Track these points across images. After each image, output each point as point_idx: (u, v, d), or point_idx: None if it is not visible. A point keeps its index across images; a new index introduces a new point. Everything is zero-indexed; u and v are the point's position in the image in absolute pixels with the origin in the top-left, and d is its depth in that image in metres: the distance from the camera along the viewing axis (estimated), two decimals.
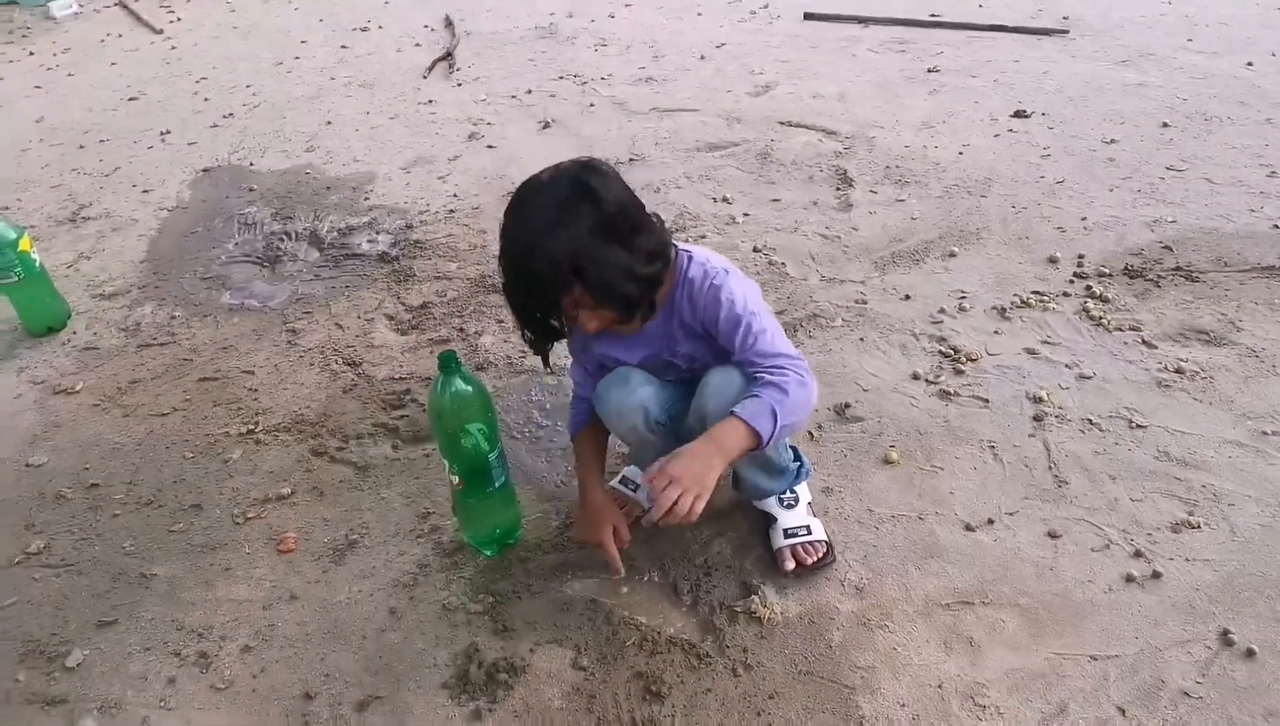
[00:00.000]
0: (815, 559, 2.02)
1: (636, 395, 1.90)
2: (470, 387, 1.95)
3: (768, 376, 1.74)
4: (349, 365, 2.76)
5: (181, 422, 2.60)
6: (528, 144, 4.12)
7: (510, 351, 2.76)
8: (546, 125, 4.29)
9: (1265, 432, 2.29)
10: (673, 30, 5.42)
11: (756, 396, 1.71)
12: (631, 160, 3.89)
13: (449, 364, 1.91)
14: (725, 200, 3.52)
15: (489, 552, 2.10)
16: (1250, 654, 1.79)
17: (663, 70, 4.85)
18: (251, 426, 2.54)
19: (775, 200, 3.50)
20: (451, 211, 3.59)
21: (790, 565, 2.00)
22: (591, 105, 4.48)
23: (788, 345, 1.81)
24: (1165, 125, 3.71)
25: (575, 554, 2.09)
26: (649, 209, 1.77)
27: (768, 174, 3.69)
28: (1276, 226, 3.03)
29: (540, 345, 1.84)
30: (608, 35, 5.43)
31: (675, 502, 1.63)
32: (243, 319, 3.04)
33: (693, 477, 1.64)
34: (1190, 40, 4.39)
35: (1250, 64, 4.09)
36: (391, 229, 3.47)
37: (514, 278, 1.69)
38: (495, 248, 3.30)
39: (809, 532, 2.05)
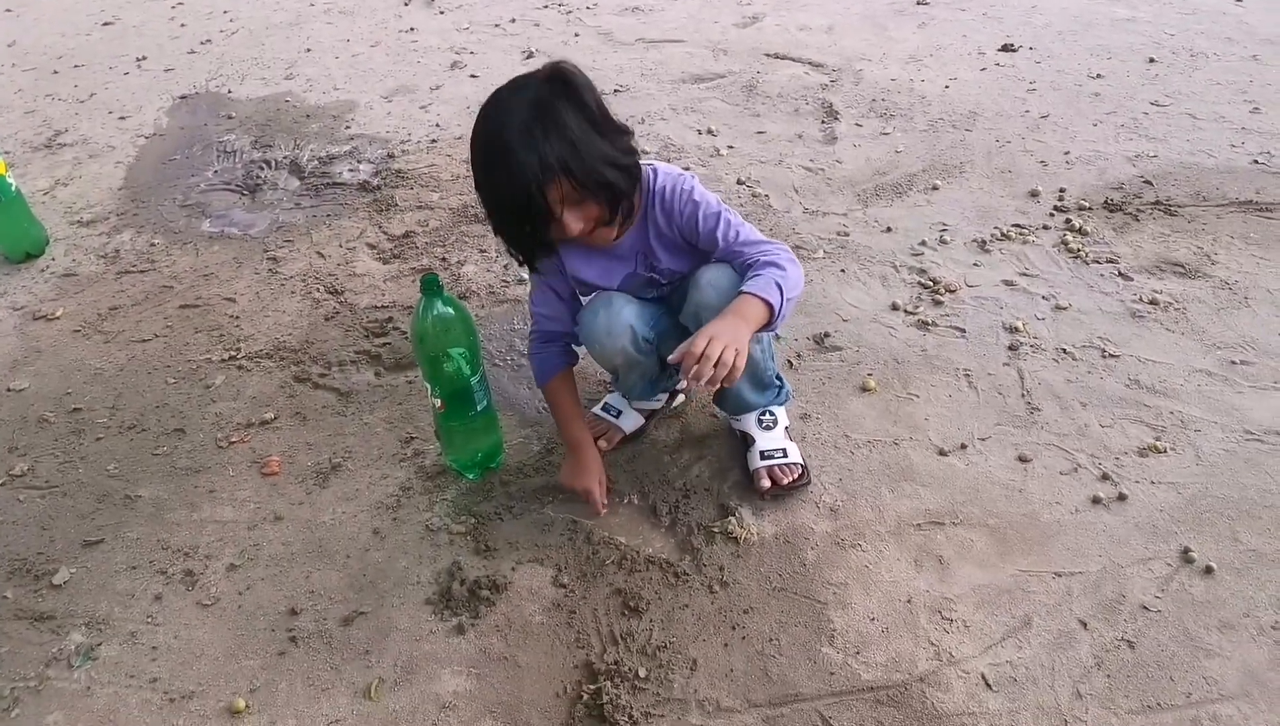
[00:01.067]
0: (790, 479, 2.06)
1: (623, 315, 1.91)
2: (452, 311, 1.96)
3: (762, 257, 1.78)
4: (331, 293, 2.76)
5: (163, 348, 2.60)
6: (511, 73, 4.01)
7: (493, 280, 2.77)
8: (530, 55, 4.23)
9: (1234, 362, 2.33)
10: None
11: (759, 274, 1.73)
12: (616, 91, 3.85)
13: (431, 286, 1.92)
14: (710, 132, 3.50)
15: (471, 476, 2.13)
16: (1209, 570, 1.85)
17: (649, 0, 4.77)
18: (234, 352, 2.55)
19: (760, 132, 3.48)
20: (434, 141, 3.55)
21: (766, 484, 2.04)
22: (577, 35, 4.42)
23: (764, 236, 1.86)
24: (1152, 60, 3.69)
25: (557, 477, 2.13)
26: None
27: (753, 106, 3.67)
28: (1256, 161, 3.05)
29: (528, 252, 1.82)
30: None
31: (720, 357, 1.59)
32: (223, 246, 3.03)
33: (729, 334, 1.62)
34: None
35: (1240, 0, 4.07)
36: (373, 158, 3.44)
37: (496, 178, 1.67)
38: None
39: (785, 455, 2.08)
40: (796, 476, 2.07)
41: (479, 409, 2.06)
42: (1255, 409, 2.20)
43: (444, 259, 2.88)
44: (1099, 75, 3.62)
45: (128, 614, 1.88)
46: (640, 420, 2.24)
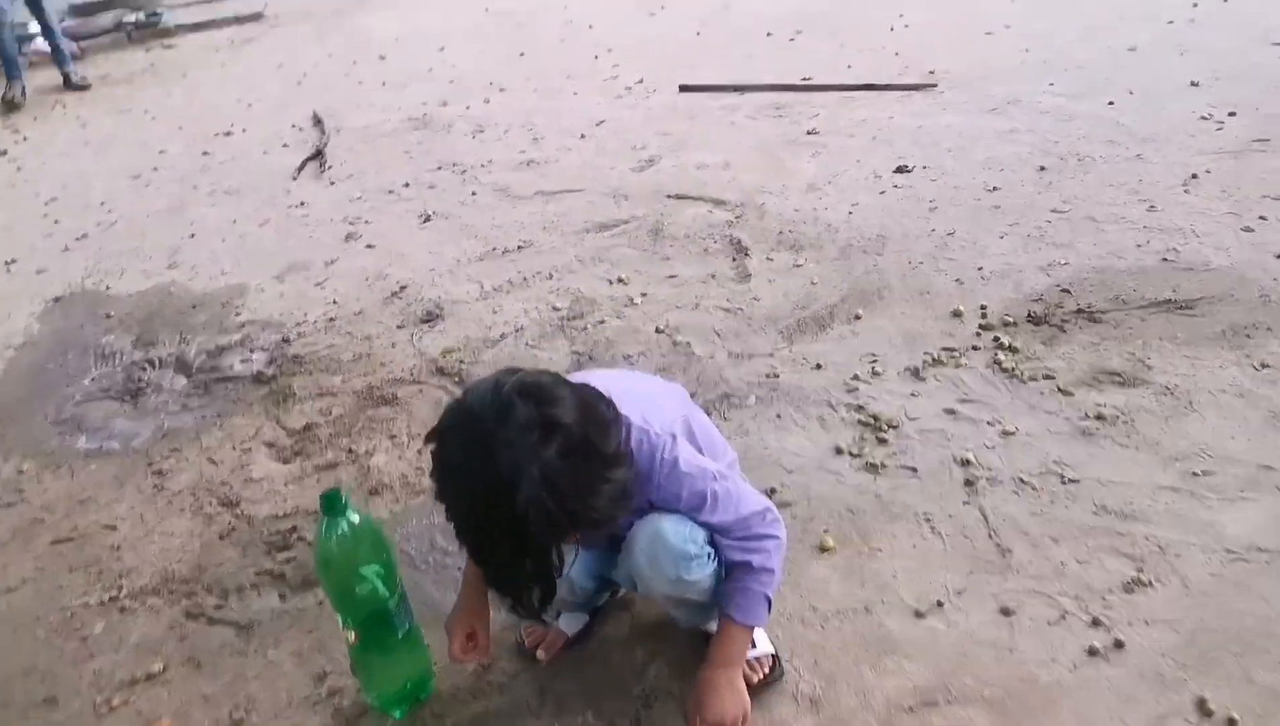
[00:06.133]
0: (762, 676, 1.85)
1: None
2: (359, 526, 1.73)
3: (748, 557, 1.69)
4: (225, 505, 2.48)
5: (32, 596, 2.27)
6: (409, 239, 3.93)
7: (406, 469, 2.54)
8: (427, 218, 4.11)
9: (1195, 473, 2.23)
10: (550, 111, 5.34)
11: (744, 587, 1.68)
12: (520, 247, 3.74)
13: (332, 505, 1.69)
14: (621, 281, 3.39)
15: (398, 713, 1.85)
16: (1231, 723, 1.68)
17: (544, 152, 4.75)
18: (114, 592, 2.23)
19: (672, 276, 3.39)
20: (331, 320, 3.35)
21: None
22: (474, 193, 4.33)
23: (752, 497, 1.73)
24: (1042, 169, 3.77)
25: (499, 699, 1.87)
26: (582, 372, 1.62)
27: (661, 249, 3.59)
28: (1165, 259, 3.06)
29: (541, 597, 1.58)
30: (484, 121, 5.32)
31: None
32: (101, 465, 2.73)
33: (731, 701, 1.70)
34: (1052, 84, 4.53)
35: (1111, 103, 4.23)
36: (266, 345, 3.21)
37: (490, 536, 1.48)
38: (383, 354, 3.10)
39: (753, 646, 1.87)
40: (768, 670, 1.86)
41: (400, 634, 1.82)
42: (1229, 523, 2.09)
43: (350, 450, 2.64)
44: (995, 188, 3.67)
45: None
46: (584, 619, 2.01)
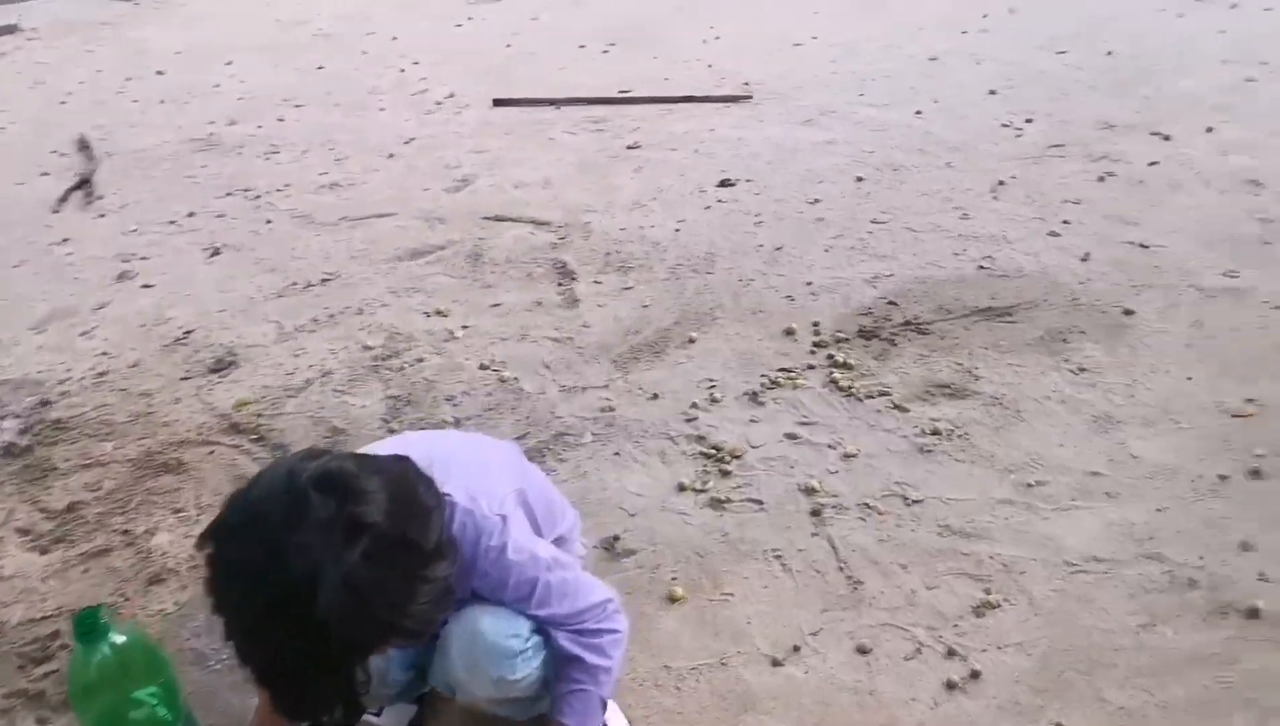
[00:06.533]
0: None
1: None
2: (125, 646, 1.43)
3: (583, 653, 1.53)
4: None
5: None
6: (195, 276, 3.52)
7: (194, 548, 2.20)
8: (216, 251, 3.71)
9: (1029, 484, 2.24)
10: (353, 129, 4.99)
11: (580, 690, 1.52)
12: (325, 280, 3.42)
13: (88, 627, 1.39)
14: (439, 313, 3.14)
15: None
16: None
17: (348, 173, 4.41)
18: None
19: (495, 305, 3.17)
20: (102, 375, 2.93)
21: None
22: (269, 222, 3.96)
23: (590, 587, 1.58)
24: (860, 179, 3.80)
25: None
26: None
27: (482, 276, 3.37)
28: (982, 267, 3.12)
29: (345, 717, 1.37)
30: (279, 140, 4.90)
31: None
32: None
33: None
34: (862, 94, 4.62)
35: (919, 112, 4.35)
36: (20, 410, 2.76)
37: (281, 656, 1.24)
38: (164, 413, 2.72)
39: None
40: None
41: None
42: (1066, 534, 2.09)
43: (126, 531, 2.27)
44: (817, 200, 3.67)
45: None
46: (411, 710, 1.78)
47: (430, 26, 6.81)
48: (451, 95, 5.36)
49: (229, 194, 4.28)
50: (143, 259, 3.69)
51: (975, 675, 1.80)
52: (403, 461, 1.36)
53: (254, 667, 1.26)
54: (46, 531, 2.29)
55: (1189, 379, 2.52)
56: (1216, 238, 3.15)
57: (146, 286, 3.46)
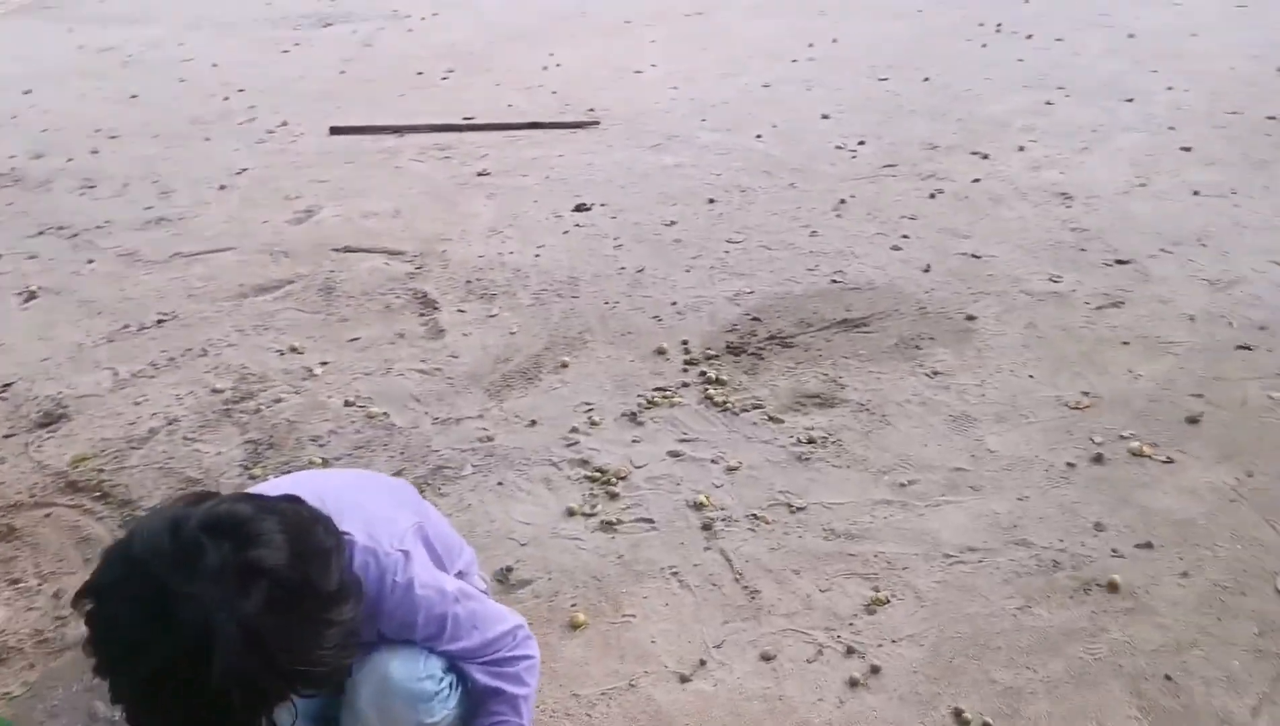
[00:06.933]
0: None
1: None
2: None
3: (500, 684, 1.52)
4: None
5: None
6: (8, 324, 3.20)
7: (38, 622, 1.99)
8: (31, 296, 3.40)
9: (902, 484, 2.35)
10: (178, 160, 4.69)
11: (500, 720, 1.51)
12: (161, 321, 3.19)
13: None
14: (294, 350, 2.99)
15: None
16: None
17: (177, 207, 4.14)
18: None
19: (354, 339, 3.05)
20: None
21: None
22: (90, 262, 3.66)
23: (498, 616, 1.55)
24: (712, 201, 3.91)
25: None
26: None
27: (337, 310, 3.23)
28: (834, 281, 3.27)
29: None
30: (94, 174, 4.54)
31: None
32: None
33: None
34: (704, 120, 4.76)
35: (759, 136, 4.51)
36: None
37: (176, 720, 1.14)
38: None
39: None
40: None
41: None
42: (940, 528, 2.21)
43: None
44: (673, 221, 3.74)
45: None
46: None
47: (253, 53, 6.51)
48: (284, 123, 5.14)
49: (40, 233, 3.94)
50: None
51: (875, 670, 1.86)
52: (295, 501, 1.28)
53: None
54: None
55: (1030, 377, 2.72)
56: (1038, 246, 3.43)
57: None
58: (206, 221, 4.00)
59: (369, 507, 1.48)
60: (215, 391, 2.79)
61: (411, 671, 1.45)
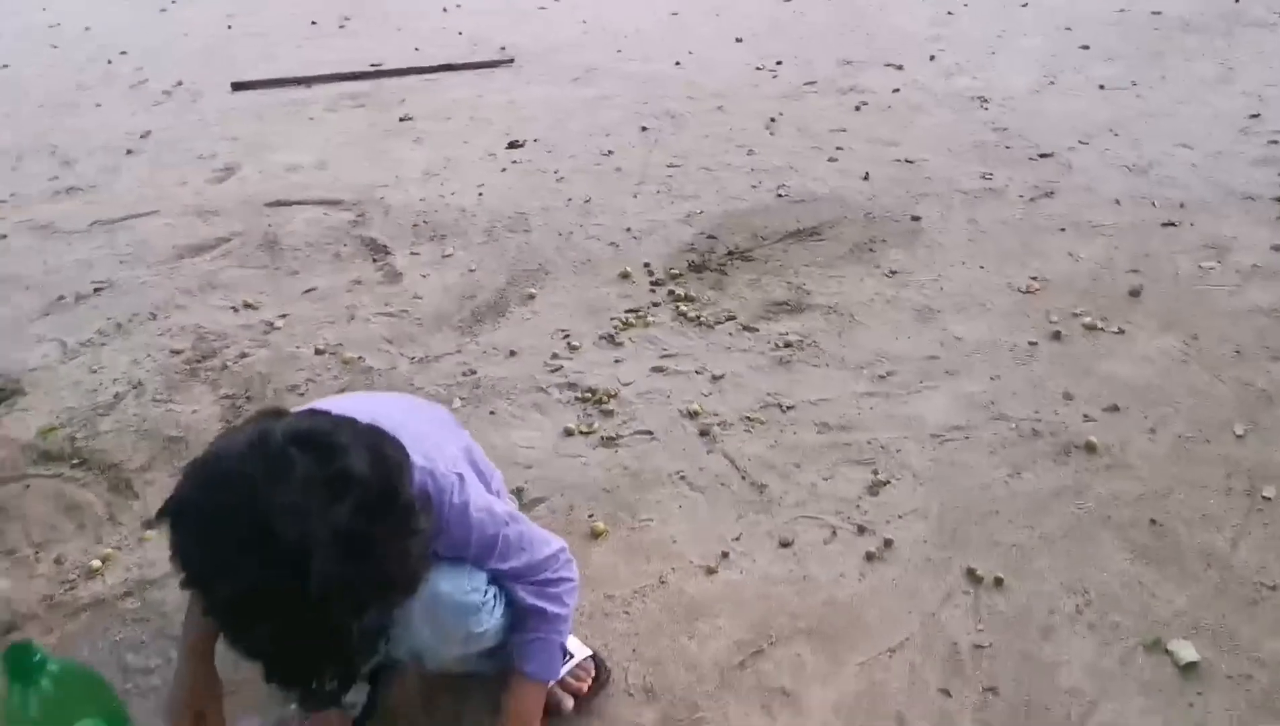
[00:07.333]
0: (590, 682, 1.68)
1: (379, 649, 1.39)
2: (63, 676, 1.26)
3: (543, 604, 1.54)
4: None
5: None
6: None
7: (46, 586, 1.92)
8: None
9: (880, 376, 2.46)
10: (71, 129, 4.43)
11: (540, 638, 1.53)
12: (97, 290, 3.04)
13: (21, 663, 1.20)
14: (249, 306, 2.90)
15: None
16: (999, 582, 1.86)
17: (83, 176, 3.92)
18: None
19: (310, 290, 2.98)
20: None
21: (569, 705, 1.64)
22: (3, 237, 3.45)
23: (543, 539, 1.57)
24: (644, 129, 3.92)
25: None
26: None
27: (285, 263, 3.14)
28: (780, 196, 3.35)
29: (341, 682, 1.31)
30: None
31: None
32: None
33: None
34: (620, 51, 4.75)
35: (678, 63, 4.54)
36: None
37: (275, 625, 1.14)
38: None
39: (570, 655, 1.69)
40: (595, 673, 1.69)
41: None
42: (924, 412, 2.33)
43: None
44: (610, 151, 3.75)
45: None
46: (364, 688, 1.68)
47: (129, 16, 6.16)
48: (179, 83, 4.90)
49: None
50: None
51: (888, 543, 1.97)
52: (355, 419, 1.28)
53: (243, 642, 1.16)
54: None
55: (981, 267, 2.87)
56: (964, 148, 3.58)
57: None
58: (120, 188, 3.81)
59: (420, 430, 1.48)
60: (174, 352, 2.70)
61: (459, 585, 1.47)
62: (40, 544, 2.04)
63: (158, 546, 2.01)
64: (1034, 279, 2.78)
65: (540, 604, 1.54)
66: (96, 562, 1.97)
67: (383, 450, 1.23)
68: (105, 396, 2.53)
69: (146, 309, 2.93)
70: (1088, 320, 2.58)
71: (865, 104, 3.98)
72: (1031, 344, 2.52)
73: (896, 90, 4.07)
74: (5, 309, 2.97)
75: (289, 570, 1.09)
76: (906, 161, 3.50)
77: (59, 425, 2.42)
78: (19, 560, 2.00)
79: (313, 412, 1.27)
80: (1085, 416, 2.26)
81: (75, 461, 2.28)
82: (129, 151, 4.13)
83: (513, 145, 3.86)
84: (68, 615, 1.87)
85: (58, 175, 3.94)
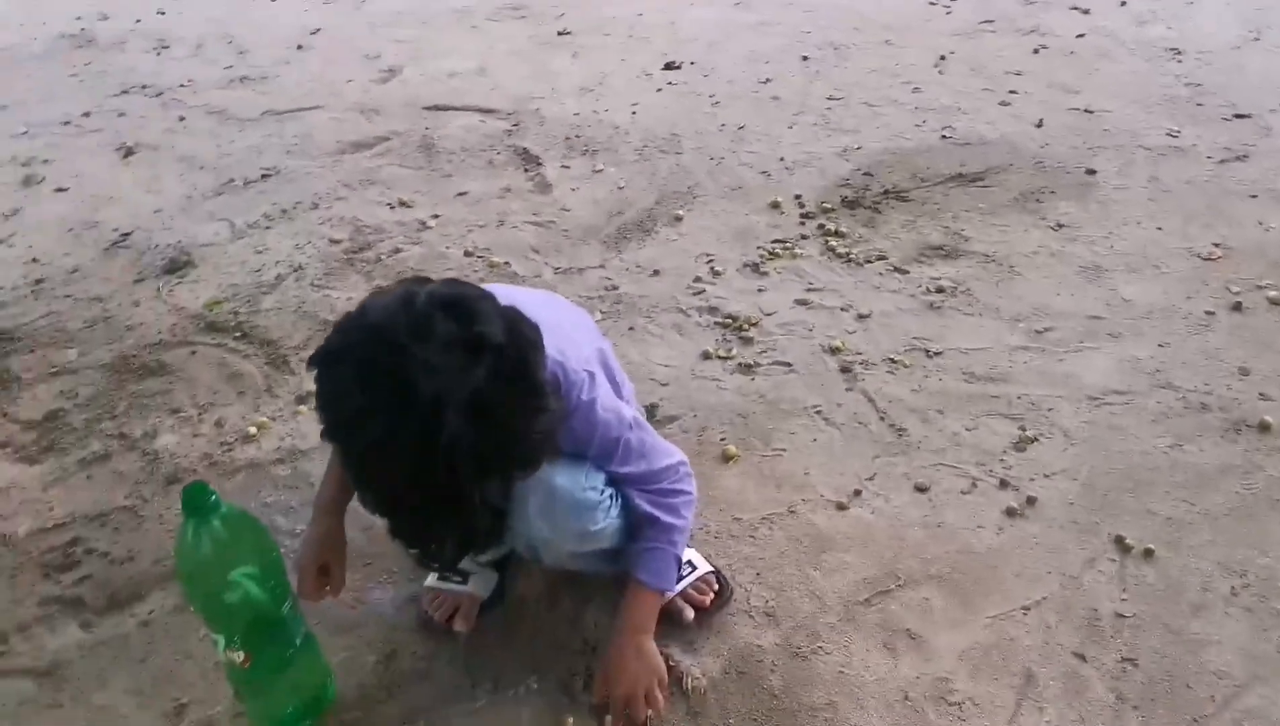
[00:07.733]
0: (713, 597, 1.69)
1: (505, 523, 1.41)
2: (232, 521, 1.33)
3: (658, 513, 1.54)
4: None
5: None
6: (113, 178, 3.20)
7: (207, 447, 2.05)
8: (129, 151, 3.38)
9: (1038, 331, 2.34)
10: (246, 21, 4.61)
11: (655, 547, 1.54)
12: (265, 176, 3.18)
13: (198, 501, 1.28)
14: (404, 204, 2.98)
15: None
16: (1149, 553, 1.76)
17: (258, 66, 4.08)
18: None
19: (462, 194, 3.03)
20: (39, 282, 2.65)
21: (689, 615, 1.65)
22: (182, 119, 3.63)
23: (664, 449, 1.58)
24: (805, 59, 3.80)
25: (422, 687, 1.56)
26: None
27: (440, 166, 3.20)
28: (945, 137, 3.19)
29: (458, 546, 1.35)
30: (166, 34, 4.48)
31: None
32: None
33: (645, 679, 1.51)
34: None
35: None
36: None
37: (403, 480, 1.17)
38: (125, 316, 2.50)
39: (693, 568, 1.70)
40: (717, 590, 1.70)
41: (297, 644, 1.44)
42: (1083, 372, 2.20)
43: (123, 435, 2.09)
44: (768, 80, 3.65)
45: None
46: (494, 576, 1.73)
47: None
48: None
49: (124, 92, 3.90)
50: (45, 162, 3.33)
51: (1031, 501, 1.89)
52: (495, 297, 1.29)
53: (372, 494, 1.20)
54: (30, 442, 2.08)
55: (1159, 229, 2.67)
56: (1152, 101, 3.33)
57: (60, 190, 3.13)
58: (290, 81, 3.94)
59: (558, 323, 1.49)
60: (334, 242, 2.80)
61: (576, 482, 1.47)
62: (204, 406, 2.17)
63: (309, 421, 2.10)
64: (1216, 246, 2.58)
65: (656, 512, 1.54)
66: (253, 429, 2.09)
67: (520, 327, 1.24)
68: (268, 276, 2.66)
69: (309, 198, 3.04)
70: (1273, 293, 2.38)
71: (1045, 47, 3.74)
72: (1208, 313, 2.35)
73: (1081, 35, 3.80)
74: (182, 186, 3.14)
75: (421, 424, 1.11)
76: (1086, 111, 3.28)
77: (224, 299, 2.56)
78: (184, 418, 2.14)
79: (457, 281, 1.29)
80: (1261, 394, 2.10)
81: (238, 334, 2.41)
82: (300, 46, 4.26)
83: (669, 66, 3.80)
84: (224, 474, 1.99)
85: (233, 64, 4.11)
